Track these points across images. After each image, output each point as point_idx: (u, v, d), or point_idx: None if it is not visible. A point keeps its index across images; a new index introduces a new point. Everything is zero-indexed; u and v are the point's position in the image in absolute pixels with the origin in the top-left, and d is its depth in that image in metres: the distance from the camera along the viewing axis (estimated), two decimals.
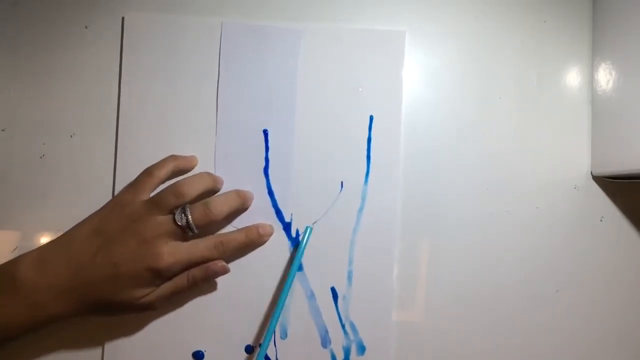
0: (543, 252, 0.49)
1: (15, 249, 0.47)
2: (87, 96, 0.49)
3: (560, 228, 0.49)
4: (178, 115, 0.48)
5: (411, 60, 0.50)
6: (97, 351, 0.47)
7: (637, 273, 0.49)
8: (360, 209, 0.48)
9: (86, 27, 0.49)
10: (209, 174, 0.47)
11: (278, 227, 0.48)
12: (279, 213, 0.48)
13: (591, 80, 0.50)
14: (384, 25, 0.50)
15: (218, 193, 0.47)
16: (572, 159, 0.50)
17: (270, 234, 0.48)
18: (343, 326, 0.48)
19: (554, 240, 0.49)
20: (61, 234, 0.44)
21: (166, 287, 0.44)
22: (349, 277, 0.48)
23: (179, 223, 0.43)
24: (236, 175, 0.48)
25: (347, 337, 0.48)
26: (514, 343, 0.48)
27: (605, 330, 0.49)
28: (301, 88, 0.49)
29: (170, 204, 0.44)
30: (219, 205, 0.45)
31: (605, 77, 0.48)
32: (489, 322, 0.48)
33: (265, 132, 0.49)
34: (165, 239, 0.43)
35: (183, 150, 0.48)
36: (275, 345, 0.47)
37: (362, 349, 0.47)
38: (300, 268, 0.48)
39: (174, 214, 0.43)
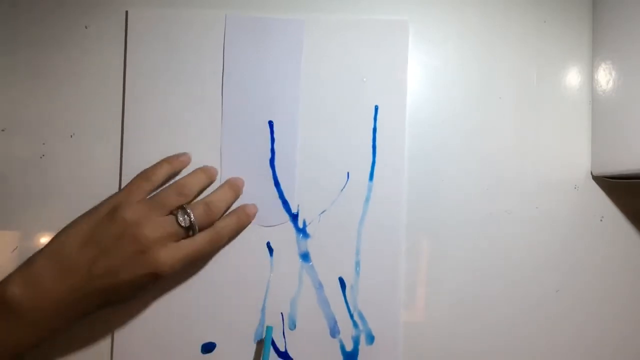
0: (543, 252, 0.49)
1: (15, 249, 0.47)
2: (87, 95, 0.49)
3: (560, 228, 0.49)
4: (183, 108, 0.48)
5: (412, 59, 0.50)
6: (106, 344, 0.47)
7: (637, 273, 0.49)
8: (367, 200, 0.48)
9: (86, 27, 0.49)
10: (202, 170, 0.47)
11: (285, 219, 0.48)
12: (285, 204, 0.48)
13: (591, 80, 0.50)
14: (386, 15, 0.50)
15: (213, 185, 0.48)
16: (572, 159, 0.50)
17: (255, 213, 0.48)
18: (352, 316, 0.48)
19: (554, 240, 0.49)
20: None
21: (185, 253, 0.43)
22: (357, 267, 0.48)
23: (183, 225, 0.43)
24: (242, 167, 0.48)
25: (355, 326, 0.48)
26: (513, 342, 0.48)
27: (605, 330, 0.49)
28: (305, 79, 0.49)
29: (172, 204, 0.43)
30: (219, 204, 0.45)
31: (605, 77, 0.48)
32: (488, 321, 0.48)
33: (271, 124, 0.49)
34: (164, 241, 0.42)
35: (189, 143, 0.48)
36: (284, 337, 0.47)
37: (371, 339, 0.47)
38: (307, 259, 0.48)
39: (175, 215, 0.43)
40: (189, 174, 0.46)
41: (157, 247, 0.41)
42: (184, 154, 0.47)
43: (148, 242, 0.41)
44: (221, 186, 0.47)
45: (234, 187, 0.47)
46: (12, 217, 0.47)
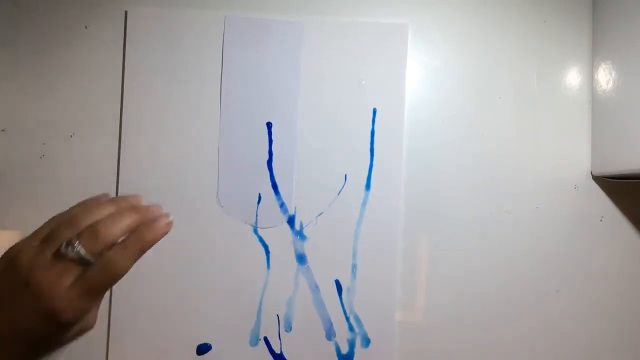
0: (543, 252, 0.49)
1: None
2: (87, 95, 0.49)
3: (560, 228, 0.49)
4: (182, 108, 0.48)
5: (412, 59, 0.50)
6: (102, 346, 0.47)
7: (637, 273, 0.49)
8: (364, 202, 0.48)
9: (86, 27, 0.49)
10: (93, 198, 0.38)
11: (282, 220, 0.48)
12: (282, 206, 0.48)
13: (591, 80, 0.50)
14: (386, 16, 0.50)
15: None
16: (572, 159, 0.50)
17: (163, 227, 0.35)
18: (347, 319, 0.48)
19: (554, 240, 0.49)
20: None
21: (80, 292, 0.34)
22: (353, 270, 0.48)
23: (70, 257, 0.34)
24: (240, 168, 0.48)
25: (351, 329, 0.48)
26: (513, 342, 0.48)
27: (605, 330, 0.49)
28: (304, 81, 0.49)
29: (62, 237, 0.36)
30: (109, 225, 0.36)
31: (605, 77, 0.48)
32: (488, 322, 0.48)
33: (269, 125, 0.49)
34: (60, 281, 0.35)
35: (187, 143, 0.48)
36: (280, 338, 0.47)
37: (366, 342, 0.47)
38: (304, 261, 0.48)
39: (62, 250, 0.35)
40: (80, 203, 0.37)
41: (53, 292, 0.32)
42: (104, 194, 0.37)
43: (42, 288, 0.33)
44: (122, 207, 0.37)
45: (137, 208, 0.37)
46: (12, 217, 0.47)
